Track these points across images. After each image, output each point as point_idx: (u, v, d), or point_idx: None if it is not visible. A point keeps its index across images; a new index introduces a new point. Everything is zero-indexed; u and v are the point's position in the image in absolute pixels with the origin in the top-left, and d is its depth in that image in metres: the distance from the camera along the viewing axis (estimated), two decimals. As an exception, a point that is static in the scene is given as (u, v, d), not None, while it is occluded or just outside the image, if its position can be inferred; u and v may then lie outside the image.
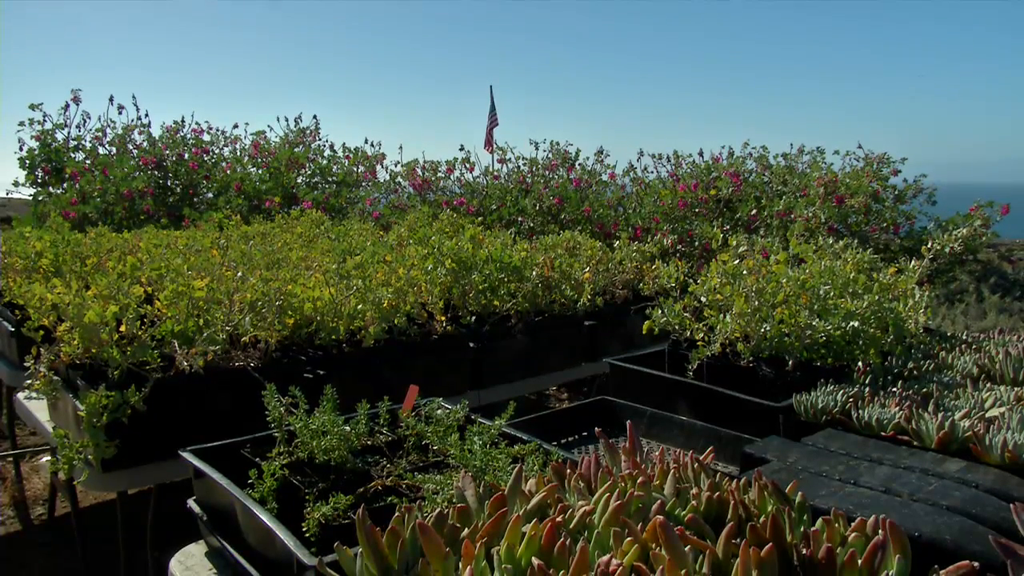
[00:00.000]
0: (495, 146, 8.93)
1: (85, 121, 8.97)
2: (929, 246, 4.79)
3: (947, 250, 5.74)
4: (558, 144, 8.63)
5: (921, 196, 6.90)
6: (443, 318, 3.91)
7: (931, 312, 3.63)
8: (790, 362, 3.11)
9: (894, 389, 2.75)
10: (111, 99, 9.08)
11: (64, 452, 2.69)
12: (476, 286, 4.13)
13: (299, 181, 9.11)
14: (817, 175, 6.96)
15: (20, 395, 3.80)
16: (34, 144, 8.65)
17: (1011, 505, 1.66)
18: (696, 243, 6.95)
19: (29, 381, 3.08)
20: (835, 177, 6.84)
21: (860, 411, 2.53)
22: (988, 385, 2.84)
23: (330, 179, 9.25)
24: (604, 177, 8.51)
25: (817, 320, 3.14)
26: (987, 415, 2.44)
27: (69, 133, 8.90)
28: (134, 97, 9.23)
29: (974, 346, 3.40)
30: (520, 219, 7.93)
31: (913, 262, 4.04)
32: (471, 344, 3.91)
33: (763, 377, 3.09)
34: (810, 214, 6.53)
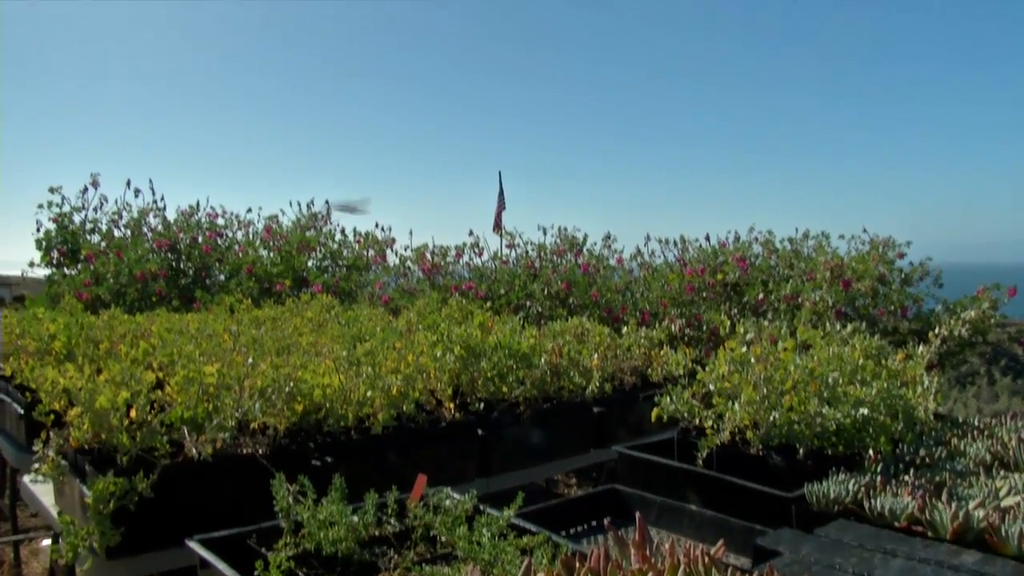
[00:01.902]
0: (504, 230, 9.05)
1: (102, 204, 9.14)
2: (937, 331, 4.80)
3: (956, 333, 5.73)
4: (565, 229, 8.75)
5: (928, 279, 6.92)
6: (452, 405, 3.91)
7: (942, 397, 3.61)
8: (801, 450, 3.09)
9: (906, 477, 2.73)
10: (128, 183, 9.27)
11: (69, 539, 2.67)
12: (485, 373, 4.14)
13: (310, 264, 9.21)
14: (823, 259, 7.00)
15: (26, 478, 3.79)
16: (51, 226, 8.81)
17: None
18: (704, 327, 6.95)
19: (36, 464, 3.08)
20: (841, 261, 6.88)
21: (873, 501, 2.51)
22: (1002, 472, 2.82)
23: (340, 262, 9.34)
24: (611, 262, 8.58)
25: (827, 408, 3.13)
26: (1002, 504, 2.41)
27: (86, 215, 9.07)
28: (151, 181, 9.41)
29: (986, 432, 3.38)
30: (528, 303, 7.97)
31: (921, 347, 4.04)
32: (479, 431, 3.90)
33: (774, 466, 3.07)
34: (817, 298, 6.55)
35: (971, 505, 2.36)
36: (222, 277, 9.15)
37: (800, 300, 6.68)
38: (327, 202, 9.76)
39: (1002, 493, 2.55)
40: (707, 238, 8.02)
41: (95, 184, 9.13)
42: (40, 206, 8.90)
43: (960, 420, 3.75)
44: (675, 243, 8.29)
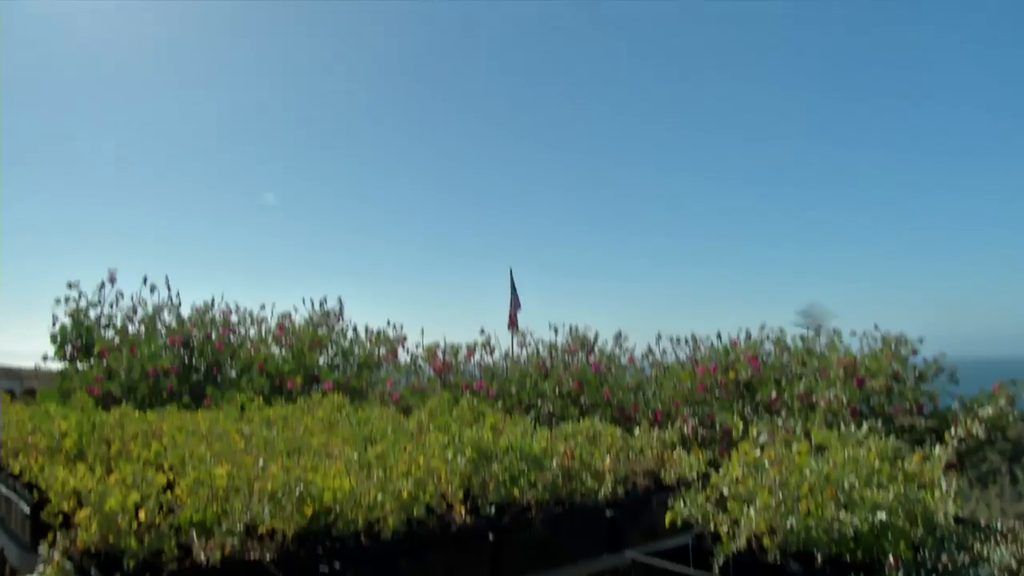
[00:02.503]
0: (517, 328, 9.12)
1: (118, 300, 9.28)
2: (953, 432, 4.74)
3: (974, 432, 5.65)
4: (577, 328, 8.79)
5: (943, 375, 6.86)
6: (463, 508, 3.85)
7: (962, 500, 3.55)
8: (819, 557, 3.03)
9: (928, 587, 2.66)
10: (144, 279, 9.43)
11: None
12: (496, 476, 4.10)
13: (321, 362, 9.24)
14: (836, 357, 6.99)
15: (28, 580, 3.73)
16: (67, 320, 8.95)
17: None
18: (717, 427, 6.90)
19: (41, 567, 3.04)
20: (854, 359, 6.85)
21: (894, 613, 2.44)
22: (1027, 582, 2.75)
23: (351, 360, 9.36)
24: (623, 360, 8.58)
25: (844, 513, 3.07)
26: (1029, 617, 2.34)
27: (102, 311, 9.19)
28: (167, 278, 9.57)
29: (1009, 536, 3.31)
30: (540, 402, 7.94)
31: (938, 448, 3.99)
32: (490, 535, 3.83)
33: (792, 573, 3.00)
34: (831, 396, 6.50)
35: (997, 617, 2.30)
36: (233, 373, 9.18)
37: (814, 399, 6.63)
38: (340, 299, 9.77)
39: (1028, 604, 2.49)
40: (718, 336, 8.02)
41: (112, 280, 9.30)
42: (57, 301, 9.06)
43: (982, 523, 3.67)
44: (686, 341, 8.29)
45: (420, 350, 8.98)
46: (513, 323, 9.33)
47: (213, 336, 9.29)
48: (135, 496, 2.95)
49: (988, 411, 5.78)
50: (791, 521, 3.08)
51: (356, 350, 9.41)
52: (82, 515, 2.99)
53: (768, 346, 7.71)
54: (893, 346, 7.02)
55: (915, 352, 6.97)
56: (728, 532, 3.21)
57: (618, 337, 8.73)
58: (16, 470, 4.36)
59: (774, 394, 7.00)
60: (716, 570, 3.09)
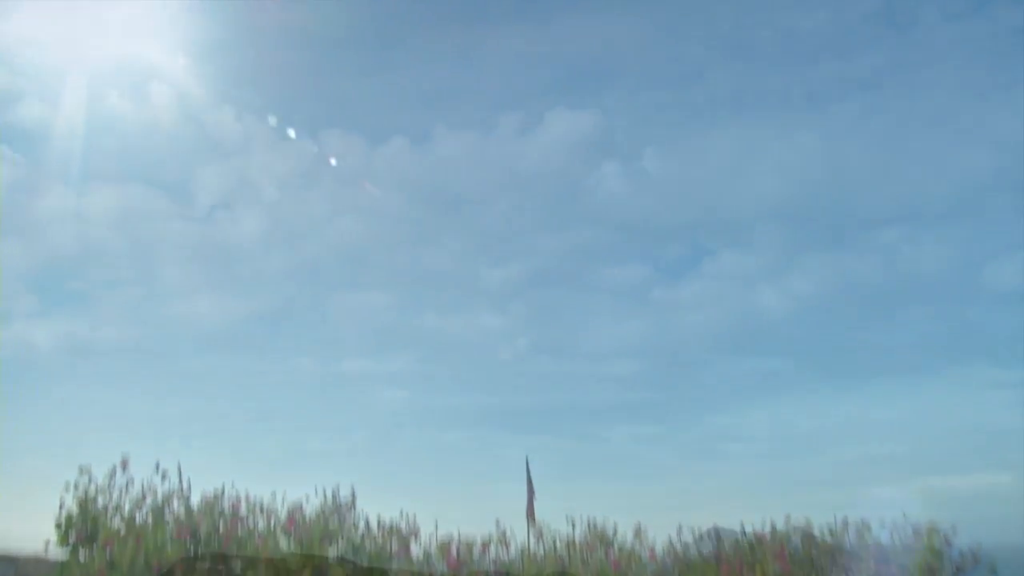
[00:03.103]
0: (535, 518, 8.96)
1: (128, 487, 9.19)
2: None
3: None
4: (595, 522, 8.59)
5: (981, 566, 6.58)
6: None
7: None
8: None
9: None
10: (156, 466, 9.37)
11: None
12: None
13: (331, 556, 8.96)
14: (865, 551, 6.77)
15: None
16: (74, 507, 8.83)
17: None
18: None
19: None
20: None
21: None
22: None
23: (362, 555, 9.07)
24: (644, 556, 8.30)
25: None
26: None
27: (111, 498, 9.07)
28: (179, 466, 9.49)
29: None
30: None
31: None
32: None
33: None
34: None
35: None
36: (239, 569, 8.89)
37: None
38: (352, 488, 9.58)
39: None
40: (743, 531, 7.81)
41: (124, 465, 9.27)
42: (66, 487, 9.00)
43: None
44: (709, 535, 8.05)
45: (433, 544, 8.74)
46: (531, 513, 9.13)
47: (221, 528, 9.09)
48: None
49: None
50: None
51: (367, 544, 9.14)
52: None
53: (795, 540, 7.46)
54: (925, 537, 6.80)
55: (949, 543, 6.73)
56: None
57: (637, 531, 8.48)
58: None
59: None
60: None
